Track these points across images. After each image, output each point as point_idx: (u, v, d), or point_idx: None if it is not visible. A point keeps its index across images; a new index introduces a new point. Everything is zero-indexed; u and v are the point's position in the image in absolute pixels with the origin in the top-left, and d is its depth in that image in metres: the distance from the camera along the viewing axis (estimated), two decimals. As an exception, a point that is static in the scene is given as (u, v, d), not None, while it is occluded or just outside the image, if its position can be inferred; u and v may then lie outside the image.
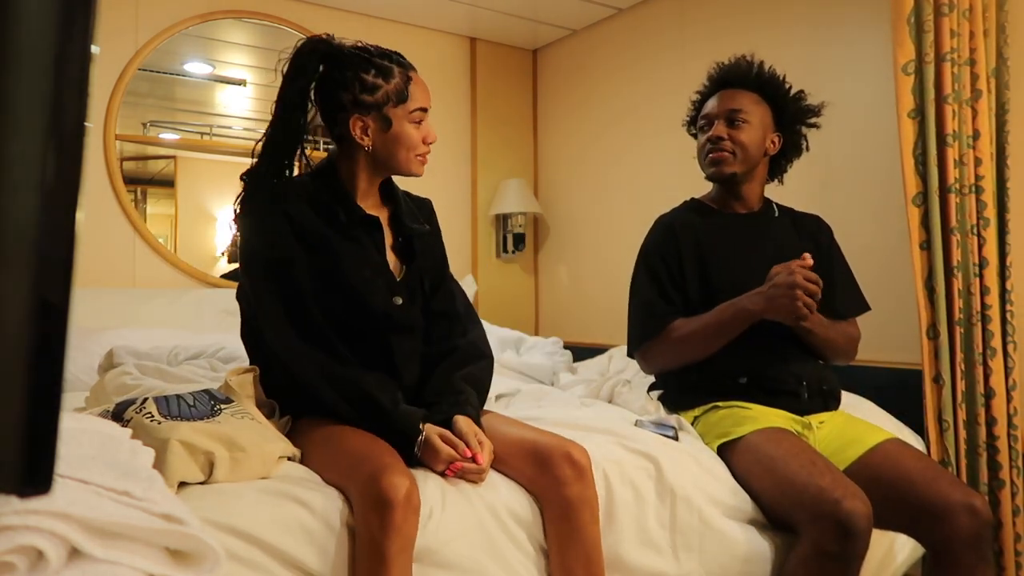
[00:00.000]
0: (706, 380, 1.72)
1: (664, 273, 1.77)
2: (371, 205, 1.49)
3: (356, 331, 1.41)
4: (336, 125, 1.45)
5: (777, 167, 1.87)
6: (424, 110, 1.45)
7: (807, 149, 1.86)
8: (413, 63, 1.48)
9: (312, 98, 1.46)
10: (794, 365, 1.71)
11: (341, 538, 1.15)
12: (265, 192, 1.42)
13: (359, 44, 1.44)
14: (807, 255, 1.56)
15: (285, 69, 1.44)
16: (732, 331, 1.65)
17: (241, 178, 1.46)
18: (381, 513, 1.10)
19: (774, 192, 1.92)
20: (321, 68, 1.44)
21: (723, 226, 1.80)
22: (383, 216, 1.50)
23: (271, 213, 1.39)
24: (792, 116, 1.81)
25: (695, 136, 1.89)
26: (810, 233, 1.84)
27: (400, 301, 1.46)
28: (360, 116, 1.42)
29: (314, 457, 1.29)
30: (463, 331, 1.55)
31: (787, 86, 1.81)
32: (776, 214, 1.85)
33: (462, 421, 1.35)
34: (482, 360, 1.54)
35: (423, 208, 1.61)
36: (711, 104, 1.80)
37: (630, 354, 1.83)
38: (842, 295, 1.79)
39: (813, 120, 1.83)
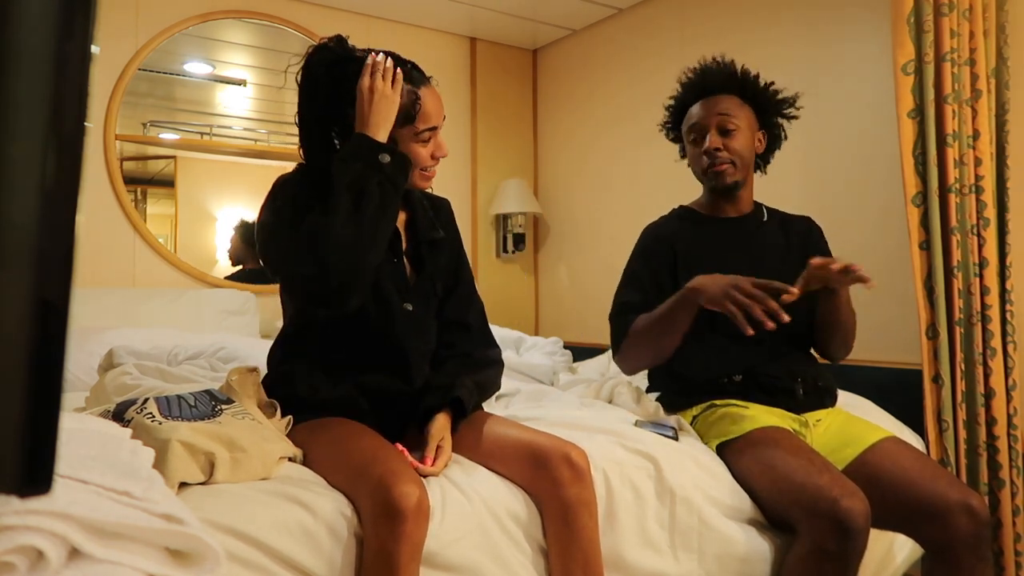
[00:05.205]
0: (701, 379, 1.72)
1: (647, 279, 1.77)
2: None
3: (370, 330, 1.40)
4: (341, 137, 1.40)
5: (762, 160, 1.86)
6: (434, 129, 1.39)
7: (785, 138, 1.85)
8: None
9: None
10: (789, 363, 1.71)
11: (344, 542, 1.14)
12: (285, 195, 1.38)
13: (370, 53, 1.36)
14: (794, 290, 1.48)
15: (299, 82, 1.38)
16: (681, 313, 1.59)
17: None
18: (392, 523, 1.09)
19: (771, 191, 1.92)
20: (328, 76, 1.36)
21: (711, 232, 1.80)
22: (400, 221, 1.47)
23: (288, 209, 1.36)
24: (772, 111, 1.80)
25: (674, 140, 1.90)
26: (799, 234, 1.83)
27: (411, 308, 1.45)
28: None
29: (319, 459, 1.28)
30: (475, 344, 1.52)
31: (763, 82, 1.80)
32: (765, 218, 1.85)
33: (438, 422, 1.35)
34: (492, 365, 1.52)
35: (441, 211, 1.57)
36: (698, 113, 1.77)
37: (613, 358, 1.83)
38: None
39: (791, 111, 1.82)
